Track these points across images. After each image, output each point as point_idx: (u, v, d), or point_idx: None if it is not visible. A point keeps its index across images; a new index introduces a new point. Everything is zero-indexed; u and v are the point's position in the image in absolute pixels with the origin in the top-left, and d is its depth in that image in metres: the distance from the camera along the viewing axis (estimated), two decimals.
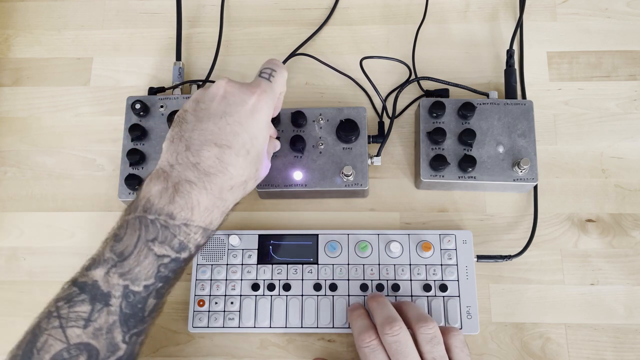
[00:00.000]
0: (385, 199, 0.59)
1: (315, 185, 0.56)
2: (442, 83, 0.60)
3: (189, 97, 0.49)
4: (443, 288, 0.53)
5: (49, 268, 0.58)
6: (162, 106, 0.59)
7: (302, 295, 0.54)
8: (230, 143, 0.43)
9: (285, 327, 0.53)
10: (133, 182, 0.56)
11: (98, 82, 0.65)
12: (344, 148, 0.56)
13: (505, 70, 0.61)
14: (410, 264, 0.54)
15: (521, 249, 0.55)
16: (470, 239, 0.55)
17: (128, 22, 0.67)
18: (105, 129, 0.63)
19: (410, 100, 0.62)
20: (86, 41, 0.67)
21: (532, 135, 0.56)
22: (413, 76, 0.62)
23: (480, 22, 0.65)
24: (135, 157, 0.56)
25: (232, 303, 0.54)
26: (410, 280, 0.54)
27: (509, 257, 0.55)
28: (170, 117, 0.57)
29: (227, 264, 0.55)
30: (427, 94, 0.61)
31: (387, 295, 0.54)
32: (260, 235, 0.56)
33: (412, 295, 0.54)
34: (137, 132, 0.57)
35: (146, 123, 0.59)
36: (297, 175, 0.56)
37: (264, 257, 0.55)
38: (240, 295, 0.54)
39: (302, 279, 0.55)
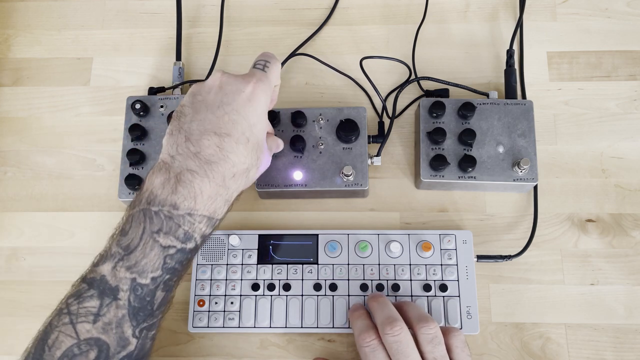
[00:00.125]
0: (385, 199, 0.59)
1: (315, 185, 0.56)
2: (442, 83, 0.60)
3: None
4: (443, 288, 0.53)
5: (49, 268, 0.58)
6: (162, 106, 0.59)
7: (302, 295, 0.54)
8: (230, 131, 0.43)
9: (285, 327, 0.53)
10: (133, 182, 0.56)
11: (98, 82, 0.65)
12: (344, 148, 0.56)
13: (505, 70, 0.61)
14: (410, 264, 0.54)
15: (521, 249, 0.55)
16: (470, 239, 0.55)
17: (128, 22, 0.67)
18: (105, 129, 0.63)
19: (410, 100, 0.62)
20: (86, 41, 0.67)
21: (532, 135, 0.56)
22: (413, 76, 0.62)
23: (480, 22, 0.65)
24: (135, 157, 0.56)
25: (232, 303, 0.54)
26: (410, 280, 0.54)
27: (509, 257, 0.55)
28: (170, 117, 0.57)
29: (227, 264, 0.55)
30: (427, 94, 0.61)
31: (387, 295, 0.54)
32: (260, 235, 0.56)
33: (412, 295, 0.54)
34: (137, 132, 0.57)
35: (146, 123, 0.59)
36: (297, 175, 0.56)
37: (264, 257, 0.55)
38: (240, 295, 0.54)
39: (302, 279, 0.55)
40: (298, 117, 0.56)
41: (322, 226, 0.58)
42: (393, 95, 0.61)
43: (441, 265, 0.54)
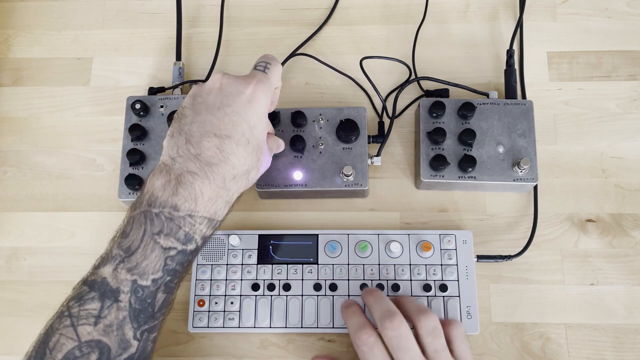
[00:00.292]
0: (385, 199, 0.59)
1: (315, 185, 0.56)
2: (442, 83, 0.60)
3: None
4: (443, 288, 0.53)
5: (49, 268, 0.58)
6: (162, 106, 0.59)
7: (302, 295, 0.54)
8: (230, 133, 0.43)
9: (285, 327, 0.53)
10: (133, 182, 0.56)
11: (98, 82, 0.65)
12: (344, 148, 0.56)
13: (505, 70, 0.61)
14: (410, 264, 0.54)
15: (521, 249, 0.55)
16: (470, 239, 0.55)
17: (128, 22, 0.67)
18: (105, 129, 0.63)
19: (410, 100, 0.62)
20: (86, 41, 0.67)
21: (532, 135, 0.56)
22: (413, 76, 0.62)
23: (480, 22, 0.65)
24: (135, 157, 0.56)
25: (232, 303, 0.54)
26: (410, 280, 0.54)
27: (509, 257, 0.55)
28: (170, 117, 0.57)
29: (227, 264, 0.55)
30: (427, 94, 0.61)
31: (387, 296, 0.54)
32: (260, 235, 0.56)
33: (412, 295, 0.54)
34: (137, 132, 0.57)
35: (146, 123, 0.59)
36: (297, 175, 0.56)
37: (264, 257, 0.55)
38: (240, 295, 0.54)
39: (302, 279, 0.55)
40: (298, 117, 0.56)
41: (322, 226, 0.58)
42: (393, 95, 0.61)
43: (441, 265, 0.54)
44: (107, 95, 0.64)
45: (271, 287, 0.54)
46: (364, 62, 0.60)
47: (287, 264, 0.55)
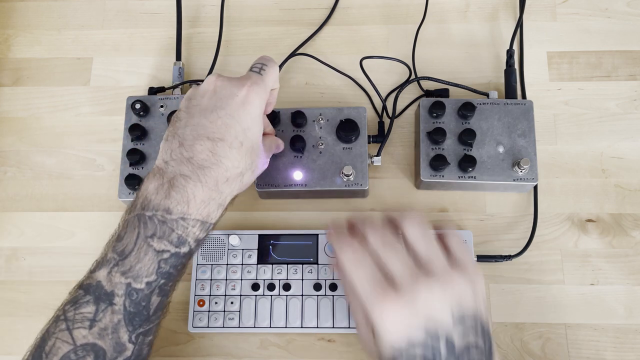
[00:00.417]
0: (385, 199, 0.59)
1: (315, 185, 0.56)
2: (442, 83, 0.61)
3: None
4: None
5: (49, 268, 0.58)
6: (162, 106, 0.59)
7: (302, 295, 0.54)
8: (223, 136, 0.43)
9: (285, 327, 0.53)
10: (133, 182, 0.56)
11: (98, 82, 0.65)
12: (344, 148, 0.56)
13: (505, 70, 0.61)
14: None
15: (521, 249, 0.55)
16: (470, 239, 0.55)
17: (128, 22, 0.67)
18: (105, 129, 0.63)
19: (410, 100, 0.62)
20: (86, 41, 0.67)
21: (532, 135, 0.56)
22: (413, 76, 0.62)
23: (480, 22, 0.65)
24: (135, 157, 0.57)
25: (232, 303, 0.54)
26: None
27: (509, 257, 0.55)
28: (170, 117, 0.57)
29: (227, 264, 0.55)
30: (427, 94, 0.61)
31: None
32: (260, 235, 0.56)
33: None
34: (137, 132, 0.57)
35: (146, 123, 0.59)
36: (297, 175, 0.56)
37: (264, 257, 0.55)
38: (240, 295, 0.54)
39: (302, 279, 0.55)
40: (298, 117, 0.56)
41: (322, 226, 0.58)
42: (393, 95, 0.61)
43: None
44: (107, 95, 0.64)
45: (271, 287, 0.54)
46: (364, 62, 0.60)
47: (287, 264, 0.55)
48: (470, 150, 0.56)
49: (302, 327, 0.53)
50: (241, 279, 0.55)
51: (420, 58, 0.64)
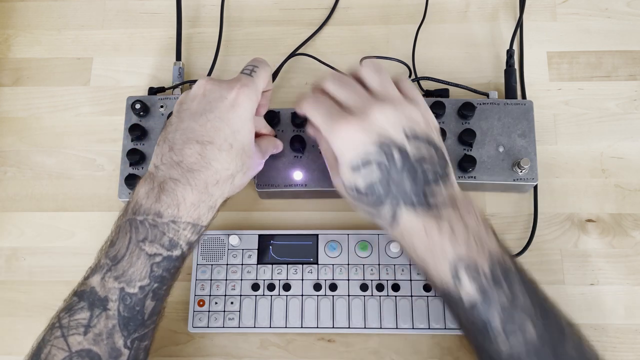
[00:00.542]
0: None
1: (315, 185, 0.56)
2: (442, 83, 0.60)
3: None
4: None
5: (49, 268, 0.58)
6: (162, 106, 0.59)
7: (302, 295, 0.54)
8: (212, 139, 0.43)
9: (285, 327, 0.53)
10: (133, 182, 0.56)
11: (98, 82, 0.65)
12: None
13: (505, 70, 0.61)
14: (410, 264, 0.54)
15: (521, 249, 0.55)
16: None
17: (128, 22, 0.67)
18: (105, 129, 0.63)
19: None
20: (86, 41, 0.67)
21: (532, 135, 0.56)
22: (413, 76, 0.62)
23: (480, 22, 0.65)
24: (135, 157, 0.57)
25: (232, 303, 0.54)
26: (410, 280, 0.54)
27: None
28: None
29: (227, 264, 0.55)
30: (427, 94, 0.61)
31: (387, 296, 0.54)
32: (260, 235, 0.56)
33: (412, 295, 0.54)
34: (137, 132, 0.57)
35: (146, 123, 0.59)
36: (297, 175, 0.56)
37: (264, 257, 0.55)
38: (240, 295, 0.54)
39: (302, 279, 0.55)
40: (298, 117, 0.56)
41: (322, 226, 0.58)
42: None
43: None
44: (107, 95, 0.64)
45: (271, 287, 0.54)
46: (363, 62, 0.60)
47: (287, 264, 0.55)
48: (470, 150, 0.56)
49: (302, 327, 0.53)
50: (241, 279, 0.55)
51: (420, 58, 0.64)
